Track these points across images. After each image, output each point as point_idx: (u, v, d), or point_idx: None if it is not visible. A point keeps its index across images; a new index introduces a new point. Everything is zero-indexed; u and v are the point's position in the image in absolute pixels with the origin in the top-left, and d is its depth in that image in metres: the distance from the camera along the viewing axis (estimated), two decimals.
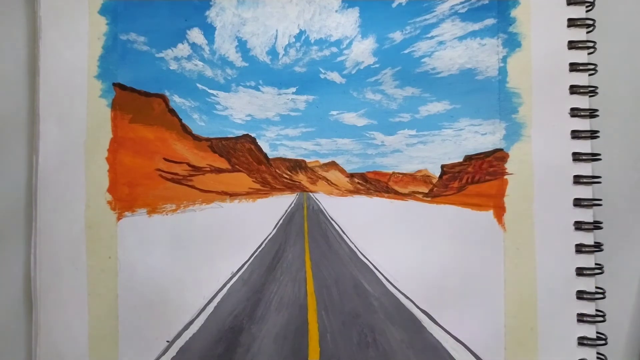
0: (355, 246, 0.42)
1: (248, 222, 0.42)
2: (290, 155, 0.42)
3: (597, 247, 0.40)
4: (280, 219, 0.43)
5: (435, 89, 0.41)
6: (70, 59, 0.41)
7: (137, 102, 0.41)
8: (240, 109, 0.42)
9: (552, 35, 0.40)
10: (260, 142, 0.42)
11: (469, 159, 0.41)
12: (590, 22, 0.40)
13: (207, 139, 0.42)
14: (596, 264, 0.40)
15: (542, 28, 0.40)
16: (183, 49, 0.42)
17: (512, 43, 0.41)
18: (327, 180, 0.43)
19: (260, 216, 0.42)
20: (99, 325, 0.40)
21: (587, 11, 0.40)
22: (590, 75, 0.40)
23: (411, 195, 0.42)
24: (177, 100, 0.42)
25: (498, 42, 0.41)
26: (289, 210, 0.43)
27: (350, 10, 0.42)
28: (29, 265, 0.41)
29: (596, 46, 0.40)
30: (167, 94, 0.42)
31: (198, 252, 0.41)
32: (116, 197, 0.41)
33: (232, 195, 0.43)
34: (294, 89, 0.42)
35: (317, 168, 0.43)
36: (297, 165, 0.43)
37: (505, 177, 0.41)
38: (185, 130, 0.42)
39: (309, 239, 0.44)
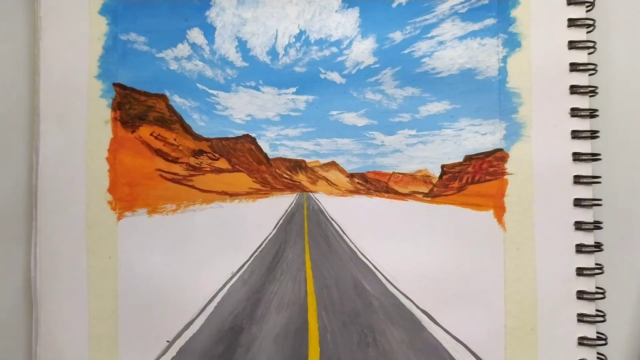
0: (355, 246, 0.42)
1: (248, 222, 0.42)
2: (290, 155, 0.42)
3: (597, 247, 0.40)
4: (280, 219, 0.43)
5: (435, 89, 0.41)
6: (71, 59, 0.41)
7: (137, 102, 0.41)
8: (240, 109, 0.42)
9: (552, 35, 0.40)
10: (260, 142, 0.42)
11: (469, 159, 0.41)
12: (590, 22, 0.40)
13: (207, 139, 0.42)
14: (596, 264, 0.40)
15: (542, 28, 0.40)
16: (183, 49, 0.42)
17: (512, 43, 0.41)
18: (327, 180, 0.43)
19: (260, 216, 0.42)
20: (99, 325, 0.40)
21: (587, 11, 0.40)
22: (590, 75, 0.40)
23: (411, 195, 0.42)
24: (177, 100, 0.42)
25: (498, 42, 0.41)
26: (289, 210, 0.43)
27: (350, 10, 0.42)
28: (29, 265, 0.41)
29: (596, 46, 0.40)
30: (167, 94, 0.42)
31: (198, 252, 0.41)
32: (116, 197, 0.41)
33: (232, 195, 0.43)
34: (294, 89, 0.42)
35: (317, 168, 0.43)
36: (297, 165, 0.43)
37: (505, 177, 0.41)
38: (186, 130, 0.42)
39: (309, 238, 0.44)
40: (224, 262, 0.41)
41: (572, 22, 0.40)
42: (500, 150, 0.41)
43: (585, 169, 0.40)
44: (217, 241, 0.41)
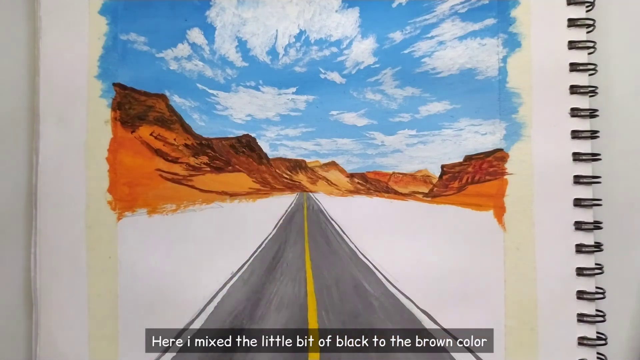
0: (355, 246, 0.42)
1: (248, 222, 0.42)
2: (290, 155, 0.42)
3: (597, 247, 0.40)
4: (280, 219, 0.43)
5: (435, 89, 0.41)
6: (70, 59, 0.41)
7: (137, 102, 0.41)
8: (240, 109, 0.42)
9: (552, 35, 0.40)
10: (260, 142, 0.42)
11: (469, 159, 0.41)
12: (590, 22, 0.40)
13: (207, 139, 0.42)
14: (596, 264, 0.40)
15: (542, 28, 0.40)
16: (183, 49, 0.42)
17: (512, 43, 0.41)
18: (327, 180, 0.43)
19: (260, 216, 0.42)
20: (99, 325, 0.40)
21: (587, 11, 0.40)
22: (590, 75, 0.40)
23: (411, 195, 0.42)
24: (177, 100, 0.42)
25: (498, 42, 0.41)
26: (289, 210, 0.43)
27: (350, 10, 0.42)
28: (29, 265, 0.41)
29: (596, 46, 0.40)
30: (167, 94, 0.42)
31: (198, 252, 0.41)
32: (116, 197, 0.41)
33: (232, 195, 0.43)
34: (294, 89, 0.42)
35: (317, 168, 0.43)
36: (297, 165, 0.43)
37: (505, 177, 0.41)
38: (186, 130, 0.42)
39: (309, 239, 0.44)
40: (224, 262, 0.41)
41: (572, 22, 0.40)
42: (500, 150, 0.41)
43: (585, 169, 0.40)
44: (217, 241, 0.41)
